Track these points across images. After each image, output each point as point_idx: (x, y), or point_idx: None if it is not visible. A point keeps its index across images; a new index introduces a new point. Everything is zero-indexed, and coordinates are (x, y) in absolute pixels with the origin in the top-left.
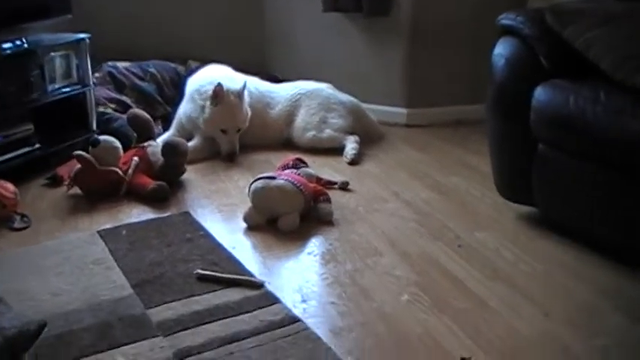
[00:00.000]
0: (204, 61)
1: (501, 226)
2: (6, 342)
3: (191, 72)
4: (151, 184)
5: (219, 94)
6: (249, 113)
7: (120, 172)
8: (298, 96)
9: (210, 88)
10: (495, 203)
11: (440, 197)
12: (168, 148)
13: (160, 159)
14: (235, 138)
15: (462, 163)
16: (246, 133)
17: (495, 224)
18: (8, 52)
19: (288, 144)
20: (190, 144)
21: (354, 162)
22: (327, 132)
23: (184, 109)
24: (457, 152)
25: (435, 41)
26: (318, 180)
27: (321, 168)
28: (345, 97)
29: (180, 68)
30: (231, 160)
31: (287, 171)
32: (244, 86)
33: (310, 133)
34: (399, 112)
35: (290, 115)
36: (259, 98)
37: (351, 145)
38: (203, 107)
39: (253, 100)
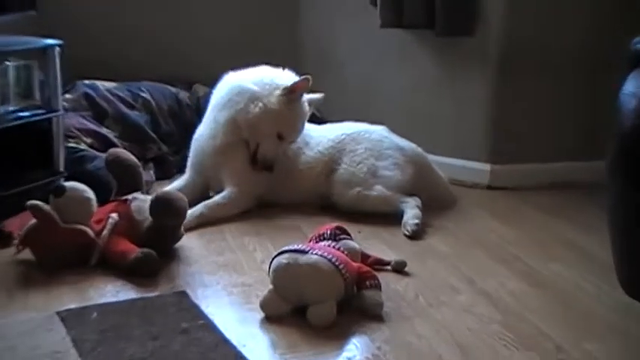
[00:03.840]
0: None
1: (626, 337)
2: None
3: (198, 100)
4: (134, 251)
5: (300, 89)
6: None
7: (91, 233)
8: (342, 137)
9: (257, 89)
10: (617, 304)
11: (534, 290)
12: (160, 203)
13: (148, 218)
14: (283, 147)
15: (566, 244)
16: (270, 184)
17: (616, 334)
18: None
19: (326, 205)
20: (178, 183)
21: (414, 235)
22: (378, 189)
23: (208, 124)
24: (559, 227)
25: (531, 73)
26: (365, 257)
27: (369, 241)
28: (404, 143)
29: (183, 95)
30: (269, 169)
31: (322, 243)
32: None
33: (355, 190)
34: (479, 169)
35: (330, 163)
36: None
37: (411, 212)
38: (250, 107)
39: None
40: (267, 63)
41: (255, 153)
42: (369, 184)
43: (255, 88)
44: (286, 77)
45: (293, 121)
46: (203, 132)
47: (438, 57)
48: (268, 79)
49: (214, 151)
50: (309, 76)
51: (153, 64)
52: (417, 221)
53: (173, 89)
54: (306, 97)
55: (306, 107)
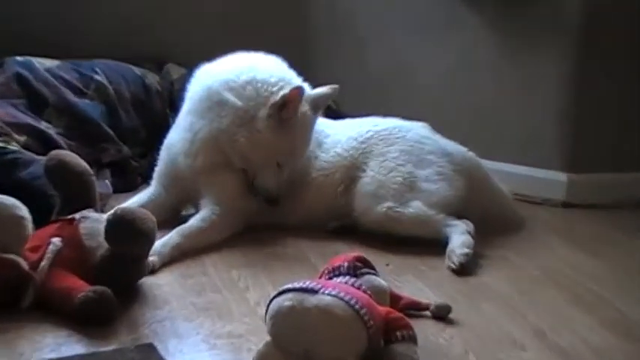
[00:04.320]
0: (193, 69)
1: None
2: None
3: (171, 85)
4: (83, 289)
5: (293, 103)
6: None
7: (25, 264)
8: (369, 136)
9: (240, 105)
10: None
11: (627, 346)
12: (119, 224)
13: (103, 244)
14: (287, 173)
15: None
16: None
17: None
18: None
19: (344, 227)
20: (142, 197)
21: (463, 269)
22: (416, 206)
23: (183, 133)
24: None
25: (621, 51)
26: (395, 299)
27: (401, 276)
28: (451, 146)
29: (152, 78)
30: (274, 204)
31: (338, 279)
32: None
33: (384, 206)
34: (553, 180)
35: (351, 169)
36: None
37: (459, 238)
38: (233, 129)
39: None
40: (270, 42)
41: (253, 185)
42: (404, 200)
43: (239, 103)
44: (276, 80)
45: (292, 145)
46: (176, 141)
47: (495, 29)
48: (252, 87)
49: (192, 170)
50: (300, 85)
51: (110, 35)
52: (466, 251)
53: (138, 70)
54: (311, 93)
55: (309, 118)
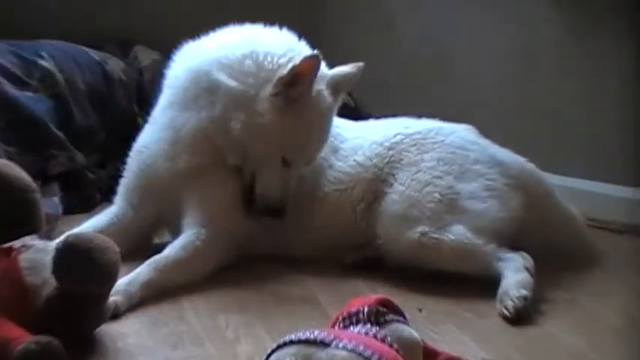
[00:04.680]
0: (171, 53)
1: None
2: None
3: (140, 74)
4: (22, 339)
5: (306, 77)
6: None
7: None
8: (397, 139)
9: (235, 86)
10: None
11: None
12: (70, 256)
13: (50, 281)
14: (296, 176)
15: None
16: (267, 221)
17: None
18: None
19: (364, 259)
20: (102, 219)
21: (518, 316)
22: (458, 231)
23: (162, 133)
24: None
25: None
26: (431, 356)
27: (439, 325)
28: (505, 155)
29: (115, 64)
30: (278, 215)
31: (356, 329)
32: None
33: (416, 230)
34: (637, 201)
35: (375, 182)
36: None
37: (514, 277)
38: (239, 103)
39: None
40: (269, 12)
41: (251, 188)
42: (443, 223)
43: (233, 83)
44: (284, 51)
45: (303, 135)
46: (151, 143)
47: (559, 5)
48: (252, 61)
49: (172, 175)
50: (317, 53)
51: (60, 10)
52: (524, 293)
53: (96, 55)
54: (327, 74)
55: (327, 101)
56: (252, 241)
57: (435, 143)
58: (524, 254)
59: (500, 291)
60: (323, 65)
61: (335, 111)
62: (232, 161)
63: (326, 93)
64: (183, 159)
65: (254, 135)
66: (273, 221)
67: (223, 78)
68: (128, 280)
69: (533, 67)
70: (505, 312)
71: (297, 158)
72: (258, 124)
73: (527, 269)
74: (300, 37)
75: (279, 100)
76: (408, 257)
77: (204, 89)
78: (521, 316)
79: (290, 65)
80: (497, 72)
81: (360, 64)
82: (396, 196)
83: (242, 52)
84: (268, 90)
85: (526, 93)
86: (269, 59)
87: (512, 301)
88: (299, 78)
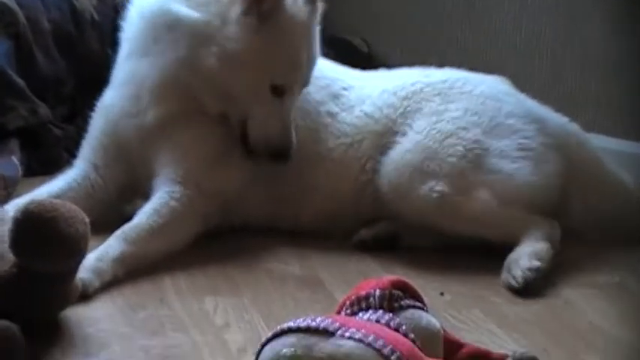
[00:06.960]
0: None
1: None
2: None
3: (116, 10)
4: None
5: None
6: None
7: None
8: (416, 88)
9: (197, 17)
10: None
11: None
12: (30, 226)
13: (7, 257)
14: (293, 107)
15: None
16: (258, 180)
17: None
18: None
19: (377, 238)
20: (66, 182)
21: (527, 288)
22: (482, 195)
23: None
24: None
25: None
26: (453, 347)
27: (463, 311)
28: (542, 111)
29: (85, 0)
30: (280, 158)
31: (366, 316)
32: None
33: (433, 188)
34: None
35: (385, 136)
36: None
37: (530, 246)
38: (205, 36)
39: None
40: None
41: (245, 137)
42: (466, 183)
43: (195, 15)
44: None
45: (286, 50)
46: (114, 101)
47: None
48: None
49: (140, 131)
50: None
51: None
52: (537, 264)
53: None
54: None
55: (303, 7)
56: (244, 205)
57: (462, 93)
58: (553, 222)
59: (509, 258)
60: None
61: (315, 24)
62: (215, 108)
63: (304, 10)
64: (151, 112)
65: (232, 66)
66: (279, 167)
67: (184, 11)
68: (97, 254)
69: (575, 17)
70: (512, 282)
71: (288, 80)
72: (234, 52)
73: (549, 239)
74: None
75: (251, 19)
76: (418, 217)
77: (164, 28)
78: (529, 290)
79: None
80: (535, 28)
81: None
82: (409, 144)
83: None
84: (236, 10)
85: (567, 48)
86: None
87: (523, 271)
88: None
